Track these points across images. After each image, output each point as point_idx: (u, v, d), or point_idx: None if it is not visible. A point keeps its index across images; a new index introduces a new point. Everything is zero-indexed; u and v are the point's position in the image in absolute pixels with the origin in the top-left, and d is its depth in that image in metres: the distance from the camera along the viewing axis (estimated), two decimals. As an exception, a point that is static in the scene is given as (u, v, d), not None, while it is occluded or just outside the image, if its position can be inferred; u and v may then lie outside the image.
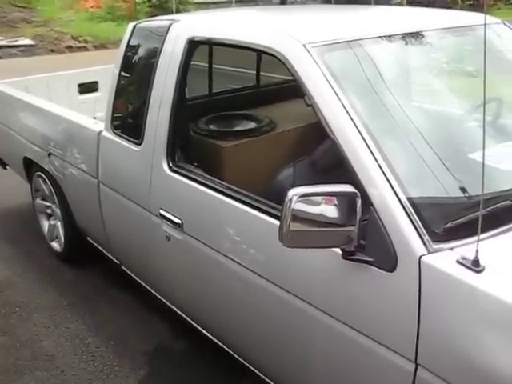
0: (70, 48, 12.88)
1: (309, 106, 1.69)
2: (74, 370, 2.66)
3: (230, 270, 2.01)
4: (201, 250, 2.15)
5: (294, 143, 2.71)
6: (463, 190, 1.60)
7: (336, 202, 1.49)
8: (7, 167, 4.32)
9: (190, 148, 2.38)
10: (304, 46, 1.76)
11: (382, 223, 1.49)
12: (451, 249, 1.43)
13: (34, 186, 3.75)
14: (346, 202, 1.48)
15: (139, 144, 2.45)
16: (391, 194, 1.50)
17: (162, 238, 2.35)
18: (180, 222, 2.22)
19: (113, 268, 3.12)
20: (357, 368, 1.63)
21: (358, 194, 1.47)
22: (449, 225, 1.48)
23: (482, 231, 1.33)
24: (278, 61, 1.84)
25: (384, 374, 1.54)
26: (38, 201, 3.77)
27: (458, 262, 1.37)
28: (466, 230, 1.44)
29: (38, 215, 3.82)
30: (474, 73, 2.03)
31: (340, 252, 1.55)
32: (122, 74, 2.63)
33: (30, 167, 3.69)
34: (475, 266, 1.34)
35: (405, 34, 2.00)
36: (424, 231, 1.45)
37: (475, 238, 1.33)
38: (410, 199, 1.49)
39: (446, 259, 1.40)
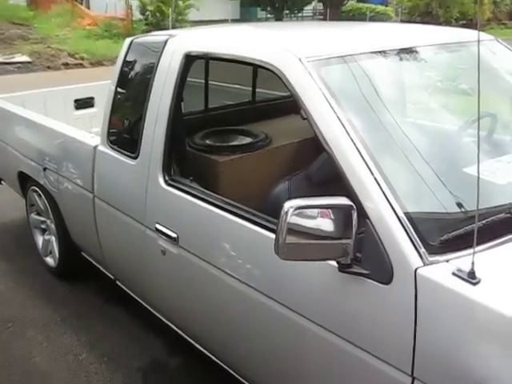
0: (66, 65, 12.97)
1: (304, 119, 1.70)
2: (67, 386, 2.63)
3: (225, 284, 2.01)
4: (196, 264, 2.14)
5: (289, 158, 2.72)
6: (458, 202, 1.61)
7: (332, 216, 1.49)
8: (2, 182, 4.31)
9: (185, 162, 2.38)
10: (300, 59, 1.78)
11: (378, 236, 1.49)
12: (447, 261, 1.43)
13: (29, 200, 3.73)
14: (341, 215, 1.49)
15: (135, 158, 2.45)
16: (387, 207, 1.50)
17: (157, 252, 2.34)
18: (176, 236, 2.21)
19: (107, 284, 3.10)
20: (353, 382, 1.62)
21: (354, 206, 1.48)
22: (444, 237, 1.48)
23: (478, 244, 1.34)
24: (272, 77, 1.85)
25: (380, 387, 1.53)
26: (33, 216, 3.76)
27: (453, 274, 1.37)
28: (462, 243, 1.44)
29: (33, 230, 3.80)
30: (469, 90, 2.05)
31: (336, 265, 1.55)
32: (119, 89, 2.65)
33: (24, 182, 3.68)
34: (471, 277, 1.34)
35: (400, 49, 2.02)
36: (420, 243, 1.45)
37: (471, 251, 1.34)
38: (405, 212, 1.50)
39: (441, 271, 1.40)
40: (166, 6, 16.36)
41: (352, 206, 1.47)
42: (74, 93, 4.50)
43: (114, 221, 2.69)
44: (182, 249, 2.20)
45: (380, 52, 1.96)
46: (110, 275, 3.04)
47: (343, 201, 1.49)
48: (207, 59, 2.31)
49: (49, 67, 12.81)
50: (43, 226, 3.66)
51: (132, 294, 2.87)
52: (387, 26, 3.58)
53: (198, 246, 2.15)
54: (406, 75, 2.00)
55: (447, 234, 1.49)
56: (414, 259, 1.43)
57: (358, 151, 1.58)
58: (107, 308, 3.25)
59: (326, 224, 1.49)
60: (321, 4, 25.07)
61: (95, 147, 2.76)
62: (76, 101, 4.44)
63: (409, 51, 2.02)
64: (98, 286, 3.40)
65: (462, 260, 1.40)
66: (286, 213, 1.45)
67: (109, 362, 2.79)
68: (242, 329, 2.05)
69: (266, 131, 2.87)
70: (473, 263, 1.34)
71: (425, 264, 1.42)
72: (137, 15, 17.69)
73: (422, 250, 1.44)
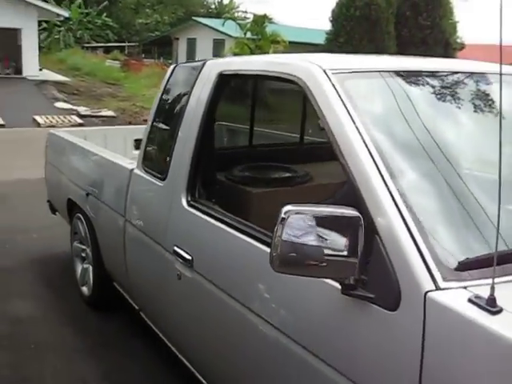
0: (146, 121, 13.61)
1: (322, 129, 1.58)
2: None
3: (237, 313, 1.84)
4: (209, 290, 2.00)
5: (327, 196, 2.57)
6: (478, 226, 1.39)
7: (336, 227, 1.33)
8: (57, 213, 4.42)
9: (213, 186, 2.30)
10: (325, 71, 1.68)
11: (388, 255, 1.31)
12: (464, 287, 1.21)
13: (73, 228, 3.77)
14: (347, 228, 1.32)
15: (163, 179, 2.41)
16: (400, 223, 1.32)
17: (173, 277, 2.23)
18: (190, 258, 2.10)
19: (136, 318, 2.99)
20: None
21: (361, 218, 1.31)
22: (462, 261, 1.27)
23: (498, 269, 1.12)
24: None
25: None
26: (75, 244, 3.78)
27: (470, 300, 1.16)
28: (481, 268, 1.23)
29: (74, 259, 3.81)
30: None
31: (339, 286, 1.37)
32: (158, 112, 2.66)
33: (71, 209, 3.74)
34: (491, 305, 1.12)
35: (425, 71, 1.90)
36: (433, 265, 1.25)
37: (490, 276, 1.12)
38: (420, 230, 1.31)
39: (455, 296, 1.18)
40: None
41: (359, 217, 1.31)
42: (135, 133, 4.62)
43: (140, 245, 2.62)
44: (196, 273, 2.08)
45: (405, 72, 1.85)
46: (135, 306, 2.94)
47: (350, 211, 1.33)
48: (238, 77, 2.26)
49: (130, 122, 13.48)
50: (83, 255, 3.66)
51: (153, 326, 2.74)
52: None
53: (211, 269, 2.02)
54: (431, 97, 1.84)
55: (465, 257, 1.28)
56: (424, 282, 1.22)
57: (375, 163, 1.43)
58: (132, 341, 3.14)
59: (330, 236, 1.33)
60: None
61: (131, 170, 2.75)
62: (136, 140, 4.54)
63: (435, 75, 1.90)
64: (127, 318, 3.31)
65: (480, 287, 1.18)
66: (283, 219, 1.31)
67: (122, 395, 2.64)
68: (252, 365, 1.85)
69: (309, 171, 2.75)
70: (493, 288, 1.12)
71: (437, 288, 1.21)
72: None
73: (436, 272, 1.24)
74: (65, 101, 14.85)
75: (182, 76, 2.56)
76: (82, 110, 13.79)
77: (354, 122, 1.52)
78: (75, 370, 2.84)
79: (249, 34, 17.44)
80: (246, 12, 32.15)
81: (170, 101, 2.64)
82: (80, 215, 3.53)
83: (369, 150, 1.45)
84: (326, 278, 1.38)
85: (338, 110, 1.56)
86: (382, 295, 1.29)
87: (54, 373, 2.79)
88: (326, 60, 1.90)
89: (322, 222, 1.32)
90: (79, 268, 3.71)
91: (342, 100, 1.58)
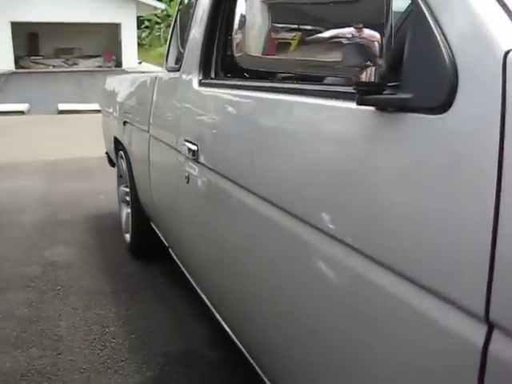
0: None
1: None
2: (74, 355, 2.09)
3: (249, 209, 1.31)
4: (215, 184, 1.49)
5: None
6: None
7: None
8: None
9: (223, 63, 1.79)
10: None
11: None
12: None
13: (118, 170, 3.44)
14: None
15: (178, 70, 1.95)
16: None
17: (182, 181, 1.75)
18: (195, 148, 1.60)
19: (173, 267, 2.54)
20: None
21: None
22: None
23: None
24: None
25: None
26: (121, 188, 3.45)
27: None
28: None
29: (120, 205, 3.49)
30: None
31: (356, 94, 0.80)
32: (179, 15, 2.23)
33: (117, 149, 3.40)
34: None
35: None
36: None
37: None
38: None
39: None
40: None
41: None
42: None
43: (160, 157, 2.19)
44: (201, 165, 1.58)
45: None
46: (165, 243, 2.50)
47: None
48: None
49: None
50: (128, 198, 3.30)
51: (180, 264, 2.28)
52: None
53: (215, 156, 1.50)
54: None
55: None
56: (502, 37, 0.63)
57: None
58: (165, 289, 2.71)
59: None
60: None
61: (156, 77, 2.32)
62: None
63: None
64: (164, 267, 2.90)
65: None
66: None
67: (134, 340, 2.21)
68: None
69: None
70: None
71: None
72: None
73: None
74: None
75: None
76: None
77: None
78: (94, 313, 2.45)
79: None
80: None
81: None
82: (122, 152, 3.18)
83: None
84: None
85: None
86: (425, 89, 0.71)
87: (71, 315, 2.42)
88: None
89: None
90: (124, 213, 3.37)
91: None
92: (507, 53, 0.60)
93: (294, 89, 1.10)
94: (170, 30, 2.37)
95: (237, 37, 0.91)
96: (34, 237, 3.52)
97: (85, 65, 19.26)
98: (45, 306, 2.52)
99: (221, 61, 1.69)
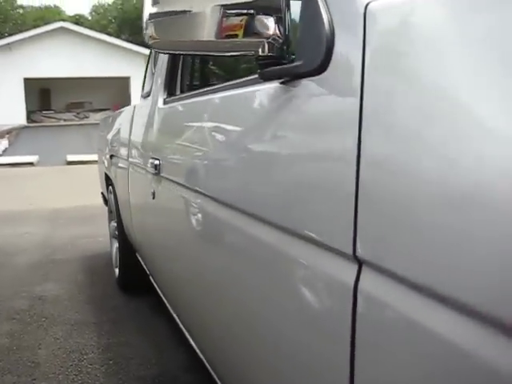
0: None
1: None
2: (48, 380, 2.08)
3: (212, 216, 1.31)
4: (176, 194, 1.52)
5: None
6: None
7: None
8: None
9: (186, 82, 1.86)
10: None
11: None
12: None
13: (109, 207, 3.49)
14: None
15: (149, 95, 2.02)
16: None
17: (149, 198, 1.78)
18: (158, 163, 1.65)
19: (162, 300, 2.51)
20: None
21: None
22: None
23: None
24: None
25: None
26: (111, 223, 3.49)
27: None
28: None
29: (111, 240, 3.52)
30: None
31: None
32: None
33: (107, 185, 3.46)
34: None
35: None
36: None
37: None
38: None
39: None
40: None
41: None
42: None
43: (137, 181, 2.22)
44: (164, 178, 1.61)
45: None
46: (147, 270, 2.51)
47: None
48: None
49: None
50: (116, 232, 3.33)
51: (159, 291, 2.27)
52: None
53: (174, 166, 1.54)
54: None
55: None
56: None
57: None
58: (148, 320, 2.70)
59: None
60: None
61: (135, 105, 2.40)
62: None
63: None
64: (149, 300, 2.88)
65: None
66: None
67: (112, 366, 2.19)
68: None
69: None
70: None
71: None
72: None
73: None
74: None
75: None
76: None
77: None
78: (75, 342, 2.44)
79: None
80: None
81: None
82: (110, 187, 3.24)
83: None
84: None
85: None
86: (309, 54, 0.74)
87: (52, 343, 2.41)
88: None
89: None
90: (114, 248, 3.40)
91: None
92: (367, 4, 0.64)
93: (229, 85, 1.15)
94: (146, 63, 2.47)
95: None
96: (26, 274, 3.55)
97: (95, 118, 19.75)
98: (27, 336, 2.52)
99: (182, 79, 1.76)
